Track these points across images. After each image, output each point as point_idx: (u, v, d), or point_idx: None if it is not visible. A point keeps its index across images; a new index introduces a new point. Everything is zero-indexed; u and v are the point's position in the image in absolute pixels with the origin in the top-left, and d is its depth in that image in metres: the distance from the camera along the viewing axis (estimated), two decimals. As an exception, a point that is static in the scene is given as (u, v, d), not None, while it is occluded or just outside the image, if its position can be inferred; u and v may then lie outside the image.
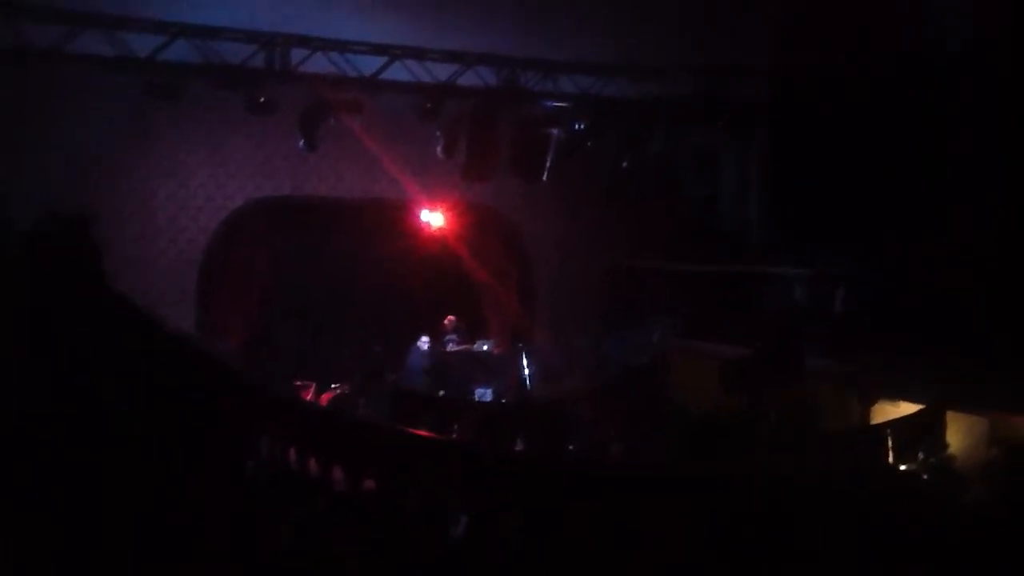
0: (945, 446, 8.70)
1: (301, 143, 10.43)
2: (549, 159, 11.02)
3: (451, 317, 12.00)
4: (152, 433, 4.21)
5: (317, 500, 3.48)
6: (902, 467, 8.07)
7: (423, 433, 4.14)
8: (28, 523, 4.04)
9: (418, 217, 12.35)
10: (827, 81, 9.54)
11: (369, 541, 3.34)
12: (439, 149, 10.80)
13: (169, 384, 4.27)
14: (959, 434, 8.69)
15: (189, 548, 3.95)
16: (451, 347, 11.73)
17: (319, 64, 9.99)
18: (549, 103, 10.96)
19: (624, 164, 11.36)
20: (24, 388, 4.28)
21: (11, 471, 4.18)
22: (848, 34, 8.60)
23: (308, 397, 9.89)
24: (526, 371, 11.40)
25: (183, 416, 4.11)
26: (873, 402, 9.00)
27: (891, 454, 8.47)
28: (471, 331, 12.14)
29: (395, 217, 12.19)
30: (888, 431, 8.68)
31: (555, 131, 10.99)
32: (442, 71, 10.37)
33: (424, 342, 11.31)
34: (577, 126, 10.95)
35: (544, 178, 11.12)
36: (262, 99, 9.83)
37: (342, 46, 9.92)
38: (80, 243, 5.37)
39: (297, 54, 9.90)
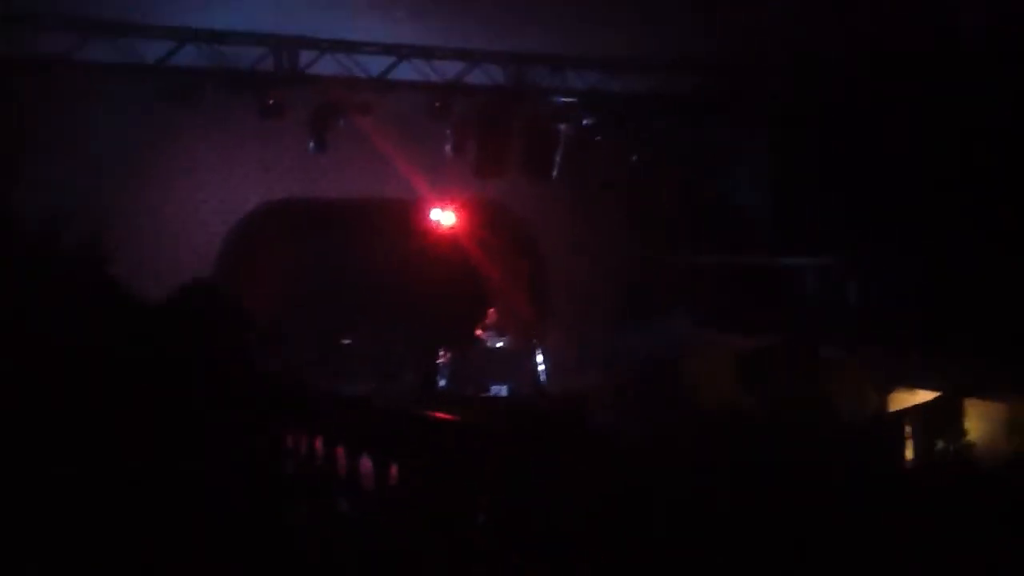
0: (964, 433, 8.65)
1: (311, 145, 10.46)
2: (559, 155, 11.01)
3: (492, 309, 12.02)
4: (175, 429, 4.24)
5: (343, 489, 3.51)
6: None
7: (449, 417, 4.14)
8: (46, 520, 4.07)
9: (429, 216, 12.37)
10: (841, 72, 9.49)
11: (392, 531, 3.37)
12: (448, 147, 10.80)
13: (190, 380, 4.29)
14: (978, 421, 8.64)
15: (212, 542, 3.97)
16: (489, 340, 11.75)
17: (327, 65, 10.02)
18: (558, 99, 10.95)
19: (634, 158, 11.34)
20: (31, 393, 4.30)
21: (27, 472, 4.20)
22: (861, 22, 8.55)
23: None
24: (541, 367, 11.41)
25: (208, 411, 4.13)
26: (890, 391, 8.97)
27: (909, 443, 8.43)
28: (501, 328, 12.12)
29: (406, 217, 12.20)
30: (905, 419, 8.64)
31: (564, 127, 10.98)
32: (450, 69, 10.38)
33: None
34: (586, 122, 10.94)
35: (554, 174, 11.11)
36: (272, 102, 9.88)
37: (350, 47, 9.95)
38: (90, 249, 5.40)
39: (306, 56, 9.94)
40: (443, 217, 12.43)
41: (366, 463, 3.34)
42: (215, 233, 11.19)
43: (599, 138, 11.10)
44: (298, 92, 10.03)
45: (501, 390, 11.03)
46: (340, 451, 3.44)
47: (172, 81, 9.41)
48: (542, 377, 11.36)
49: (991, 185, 8.55)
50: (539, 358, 11.48)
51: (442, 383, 11.31)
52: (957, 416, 8.75)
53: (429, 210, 12.33)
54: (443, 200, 12.25)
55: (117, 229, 9.33)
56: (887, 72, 9.06)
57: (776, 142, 11.50)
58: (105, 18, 8.85)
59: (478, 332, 11.71)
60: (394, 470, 3.33)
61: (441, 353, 11.51)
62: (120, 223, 9.76)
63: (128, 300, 5.15)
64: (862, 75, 9.29)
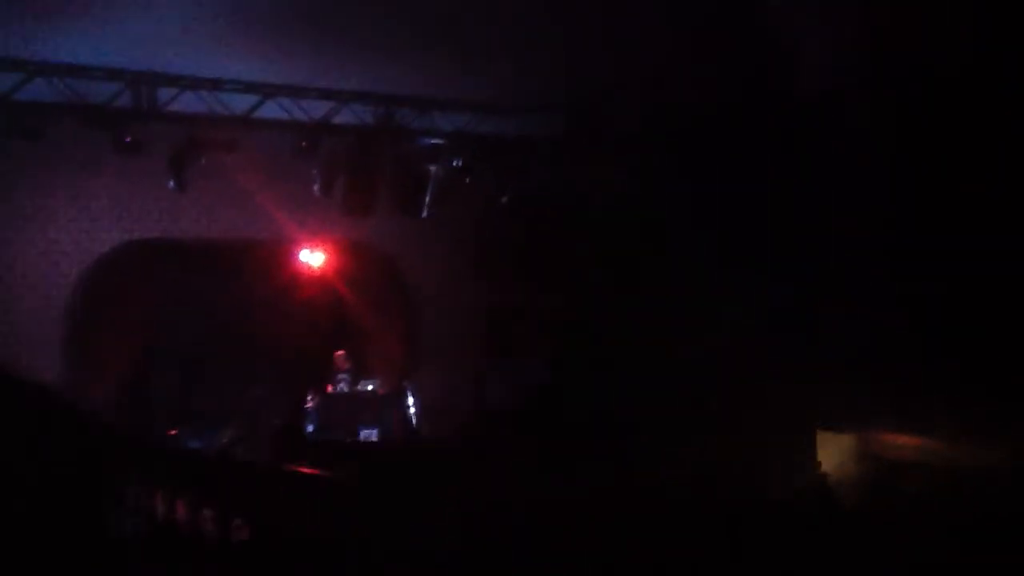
0: (818, 464, 9.07)
1: (171, 183, 10.10)
2: (428, 196, 11.01)
3: (340, 352, 11.79)
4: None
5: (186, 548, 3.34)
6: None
7: (305, 471, 4.03)
8: None
9: (298, 257, 12.14)
10: (701, 115, 9.91)
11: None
12: (316, 187, 10.65)
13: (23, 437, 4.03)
14: (829, 451, 9.08)
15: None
16: (343, 386, 11.53)
17: (189, 102, 9.73)
18: (426, 140, 10.97)
19: (504, 199, 11.45)
20: None
21: None
22: (718, 70, 9.01)
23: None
24: (412, 410, 11.28)
25: (37, 469, 3.88)
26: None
27: (769, 474, 8.76)
28: (356, 371, 11.95)
29: (274, 258, 11.93)
30: (765, 452, 8.98)
31: (433, 168, 10.99)
32: (317, 109, 10.27)
33: None
34: (455, 163, 10.99)
35: (423, 215, 11.09)
36: (128, 139, 9.49)
37: (212, 84, 9.70)
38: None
39: (165, 93, 9.64)
40: (312, 258, 12.24)
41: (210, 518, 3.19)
42: (66, 275, 10.64)
43: (468, 180, 11.15)
44: (157, 129, 9.68)
45: (371, 434, 10.84)
46: (180, 505, 3.27)
47: (20, 116, 8.93)
48: (414, 421, 11.23)
49: (840, 222, 9.08)
50: (410, 400, 11.36)
51: (310, 428, 11.02)
52: (811, 447, 9.18)
53: (298, 251, 12.11)
54: (312, 241, 12.06)
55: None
56: (734, 120, 9.56)
57: (642, 182, 11.83)
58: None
59: (328, 387, 11.45)
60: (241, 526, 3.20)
61: (309, 397, 11.24)
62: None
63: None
64: (723, 115, 9.74)
